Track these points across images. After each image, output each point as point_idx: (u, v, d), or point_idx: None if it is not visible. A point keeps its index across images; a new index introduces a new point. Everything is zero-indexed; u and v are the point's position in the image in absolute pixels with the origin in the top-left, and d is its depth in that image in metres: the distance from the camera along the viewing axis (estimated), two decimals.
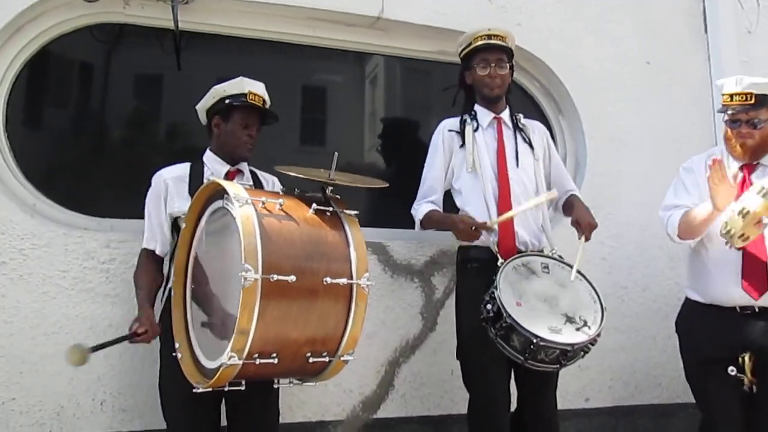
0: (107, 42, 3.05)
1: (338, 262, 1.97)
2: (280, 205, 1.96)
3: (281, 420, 2.43)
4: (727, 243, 2.22)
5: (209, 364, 2.00)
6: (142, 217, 2.47)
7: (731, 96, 2.40)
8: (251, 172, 2.53)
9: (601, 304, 2.41)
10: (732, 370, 2.39)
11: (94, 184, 2.93)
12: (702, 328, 2.52)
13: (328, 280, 1.91)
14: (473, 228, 2.48)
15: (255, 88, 2.45)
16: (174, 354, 2.16)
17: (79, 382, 2.58)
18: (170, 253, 2.41)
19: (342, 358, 2.01)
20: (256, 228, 1.82)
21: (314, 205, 2.03)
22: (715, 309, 2.47)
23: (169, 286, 2.33)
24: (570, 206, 2.77)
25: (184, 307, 2.22)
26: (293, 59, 3.35)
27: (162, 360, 2.34)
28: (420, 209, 2.69)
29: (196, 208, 2.18)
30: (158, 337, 2.34)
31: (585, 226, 2.59)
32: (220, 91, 2.44)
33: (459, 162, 2.69)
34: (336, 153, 2.14)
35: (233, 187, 1.95)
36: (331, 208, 2.07)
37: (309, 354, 1.95)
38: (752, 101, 2.36)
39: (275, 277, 1.81)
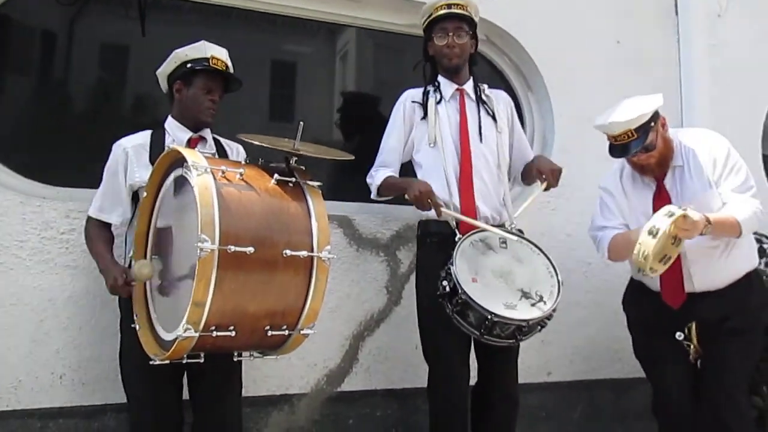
0: (69, 5, 2.96)
1: (299, 234, 1.94)
2: (241, 174, 1.93)
3: (245, 393, 2.43)
4: (640, 271, 2.27)
5: (167, 336, 1.98)
6: None
7: (615, 138, 2.43)
8: (215, 139, 2.48)
9: (558, 279, 2.42)
10: (679, 335, 2.49)
11: (54, 153, 2.85)
12: (647, 303, 2.60)
13: (288, 252, 1.89)
14: (429, 200, 2.45)
15: (217, 52, 2.38)
16: (133, 326, 2.13)
17: (37, 356, 2.54)
18: (129, 223, 2.37)
19: (302, 332, 1.99)
20: (214, 198, 1.79)
21: (276, 176, 2.00)
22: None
23: (129, 256, 2.29)
24: (528, 170, 2.77)
25: None
26: (263, 32, 3.29)
27: (122, 332, 2.31)
28: (377, 175, 2.67)
29: (157, 176, 2.14)
30: (119, 309, 2.33)
31: (547, 171, 2.59)
32: (181, 55, 2.37)
33: (420, 134, 2.67)
34: (301, 122, 2.10)
35: (192, 155, 1.91)
36: (293, 179, 2.04)
37: (268, 327, 1.93)
38: (635, 136, 2.38)
39: (232, 248, 1.78)
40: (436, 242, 2.58)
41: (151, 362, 1.98)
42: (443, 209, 2.48)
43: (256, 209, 1.90)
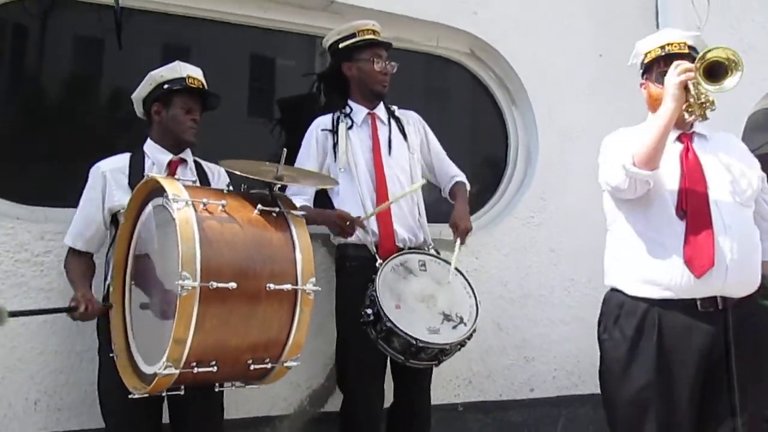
0: (40, 16, 2.87)
1: (282, 266, 1.91)
2: (223, 206, 1.88)
3: (226, 416, 2.39)
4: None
5: (147, 369, 1.94)
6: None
7: (669, 45, 2.23)
8: (196, 163, 2.44)
9: (476, 299, 2.48)
10: None
11: (27, 171, 2.76)
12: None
13: (272, 286, 1.85)
14: (348, 223, 2.45)
15: (192, 71, 2.37)
16: (111, 355, 2.09)
17: (10, 381, 2.46)
18: (108, 247, 2.31)
19: (285, 364, 1.96)
20: (196, 233, 1.75)
21: (259, 206, 1.96)
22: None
23: (107, 282, 2.24)
24: (453, 198, 2.79)
25: (123, 306, 2.14)
26: (243, 41, 3.23)
27: (101, 360, 2.26)
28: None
29: (136, 204, 2.10)
30: (97, 337, 2.29)
31: (461, 231, 2.60)
32: (156, 77, 2.35)
33: (333, 161, 2.65)
34: (285, 149, 2.08)
35: (172, 187, 1.86)
36: (277, 209, 2.00)
37: (250, 361, 1.90)
38: (687, 51, 2.18)
39: (214, 284, 1.74)
40: (355, 266, 2.57)
41: (129, 396, 1.93)
42: (362, 216, 2.51)
43: (239, 241, 1.86)
